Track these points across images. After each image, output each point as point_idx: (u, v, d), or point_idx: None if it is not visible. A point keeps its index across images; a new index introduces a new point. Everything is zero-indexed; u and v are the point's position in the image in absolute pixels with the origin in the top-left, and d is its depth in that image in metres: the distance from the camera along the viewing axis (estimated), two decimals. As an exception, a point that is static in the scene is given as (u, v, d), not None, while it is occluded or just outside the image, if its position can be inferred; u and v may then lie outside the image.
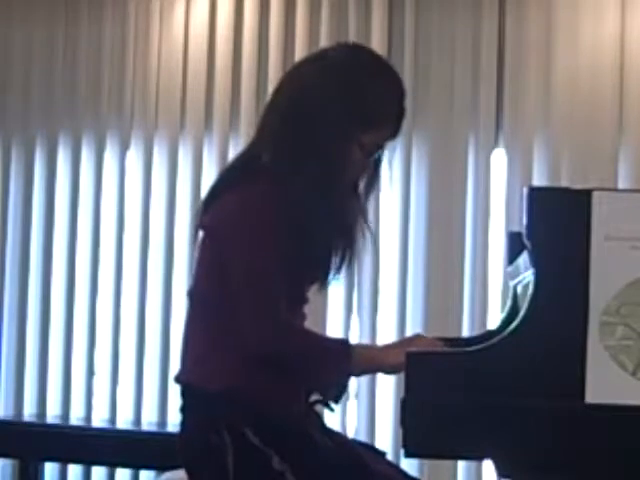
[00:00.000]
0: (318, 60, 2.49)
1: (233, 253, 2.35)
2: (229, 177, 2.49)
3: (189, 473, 2.43)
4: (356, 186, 2.51)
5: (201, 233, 2.48)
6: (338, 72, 2.42)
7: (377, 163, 2.51)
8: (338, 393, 2.41)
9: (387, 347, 2.54)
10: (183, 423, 2.46)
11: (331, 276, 2.49)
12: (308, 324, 2.55)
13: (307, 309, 2.53)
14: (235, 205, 2.37)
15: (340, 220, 2.44)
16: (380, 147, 2.47)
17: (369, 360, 2.44)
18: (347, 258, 2.48)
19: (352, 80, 2.41)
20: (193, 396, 2.43)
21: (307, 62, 2.54)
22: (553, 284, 2.16)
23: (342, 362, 2.37)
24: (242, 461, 2.32)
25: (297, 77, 2.50)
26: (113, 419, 5.04)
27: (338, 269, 2.49)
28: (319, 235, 2.40)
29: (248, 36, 4.93)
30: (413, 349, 2.26)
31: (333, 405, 2.51)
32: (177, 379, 2.49)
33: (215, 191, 2.49)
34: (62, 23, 5.19)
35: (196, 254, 2.51)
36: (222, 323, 2.38)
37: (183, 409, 2.46)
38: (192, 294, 2.50)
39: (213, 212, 2.44)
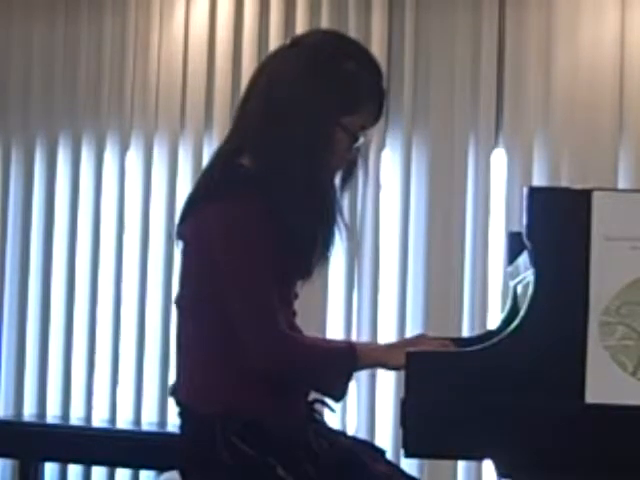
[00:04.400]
0: (289, 48, 2.46)
1: (223, 268, 2.30)
2: (208, 185, 2.42)
3: None
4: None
5: (181, 244, 2.43)
6: (310, 57, 2.38)
7: (354, 157, 2.47)
8: (342, 393, 2.40)
9: (391, 346, 2.53)
10: (181, 429, 2.44)
11: (315, 268, 2.46)
12: (308, 325, 2.55)
13: (297, 305, 2.51)
14: (219, 217, 2.31)
15: (325, 213, 2.40)
16: (364, 129, 2.43)
17: (372, 359, 2.42)
18: (330, 248, 2.45)
19: (325, 62, 2.37)
20: (190, 412, 2.41)
21: (279, 52, 2.50)
22: (553, 284, 2.16)
23: (348, 367, 2.35)
24: (241, 474, 2.29)
25: (269, 68, 2.46)
26: (113, 419, 5.04)
27: (323, 259, 2.46)
28: (305, 234, 2.36)
29: (248, 37, 4.92)
30: (413, 349, 2.26)
31: (333, 405, 2.51)
32: (172, 393, 2.47)
33: (194, 200, 2.42)
34: (62, 23, 5.19)
35: (180, 261, 2.46)
36: (217, 339, 2.35)
37: (181, 414, 2.45)
38: (180, 303, 2.46)
39: (195, 223, 2.38)
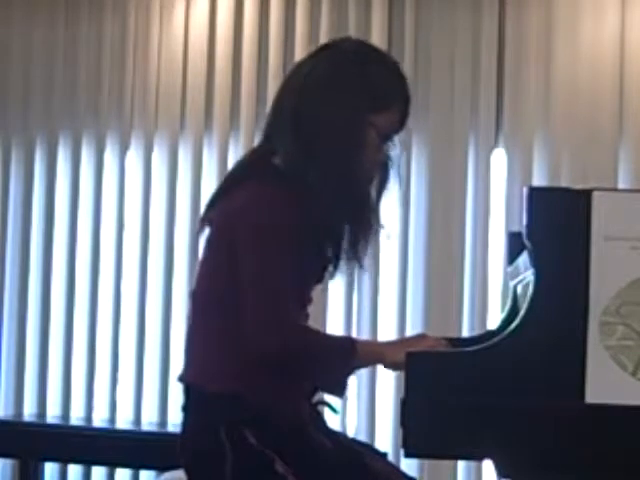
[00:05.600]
0: (321, 51, 2.51)
1: (243, 251, 2.32)
2: (239, 175, 2.48)
3: (188, 474, 2.42)
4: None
5: (207, 230, 2.46)
6: (340, 58, 2.44)
7: (386, 162, 2.50)
8: (342, 389, 2.39)
9: (390, 343, 2.54)
10: (184, 423, 2.45)
11: (336, 274, 2.49)
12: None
13: (309, 308, 2.52)
14: (246, 202, 2.35)
15: (357, 213, 2.43)
16: (394, 131, 2.47)
17: (371, 354, 2.42)
18: (359, 252, 2.47)
19: (355, 63, 2.42)
20: (194, 396, 2.42)
21: (311, 54, 2.54)
22: (553, 284, 2.16)
23: (348, 360, 2.35)
24: (242, 464, 2.30)
25: (301, 70, 2.50)
26: (113, 419, 5.04)
27: (350, 263, 2.48)
28: (332, 237, 2.39)
29: (248, 36, 4.93)
30: (413, 349, 2.26)
31: (336, 406, 2.51)
32: (180, 378, 2.48)
33: (224, 188, 2.47)
34: (62, 23, 5.19)
35: (202, 251, 2.48)
36: (227, 322, 2.36)
37: (185, 408, 2.45)
38: (196, 294, 2.47)
39: (221, 208, 2.42)
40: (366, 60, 2.44)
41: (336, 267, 2.48)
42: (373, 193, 2.50)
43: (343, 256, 2.46)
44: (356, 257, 2.46)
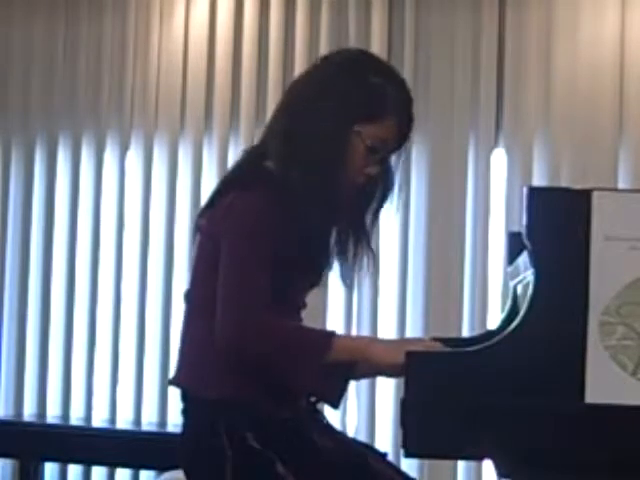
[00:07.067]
0: (319, 62, 2.51)
1: (222, 255, 2.33)
2: (228, 181, 2.49)
3: (188, 476, 2.41)
4: (370, 197, 2.52)
5: (198, 236, 2.48)
6: (338, 66, 2.43)
7: (386, 183, 2.52)
8: (339, 394, 2.34)
9: (380, 341, 2.52)
10: (183, 426, 2.44)
11: (326, 277, 2.50)
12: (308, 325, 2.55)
13: (303, 313, 2.52)
14: (230, 206, 2.36)
15: (340, 222, 2.43)
16: (390, 147, 2.44)
17: (351, 351, 2.29)
18: (347, 259, 2.49)
19: (348, 74, 2.40)
20: (193, 401, 2.42)
21: (311, 66, 2.55)
22: (553, 284, 2.16)
23: (320, 354, 2.26)
24: (243, 466, 2.30)
25: (300, 78, 2.52)
26: (113, 419, 5.04)
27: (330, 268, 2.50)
28: (320, 240, 2.40)
29: (248, 36, 4.93)
30: (413, 349, 2.26)
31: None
32: (173, 382, 2.47)
33: (215, 194, 2.49)
34: (62, 23, 5.19)
35: (193, 256, 2.52)
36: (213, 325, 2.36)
37: (184, 412, 2.45)
38: (188, 296, 2.49)
39: (209, 215, 2.44)
40: (363, 69, 2.41)
41: (323, 271, 2.48)
42: (369, 214, 2.53)
43: (333, 261, 2.48)
44: (343, 263, 2.49)
